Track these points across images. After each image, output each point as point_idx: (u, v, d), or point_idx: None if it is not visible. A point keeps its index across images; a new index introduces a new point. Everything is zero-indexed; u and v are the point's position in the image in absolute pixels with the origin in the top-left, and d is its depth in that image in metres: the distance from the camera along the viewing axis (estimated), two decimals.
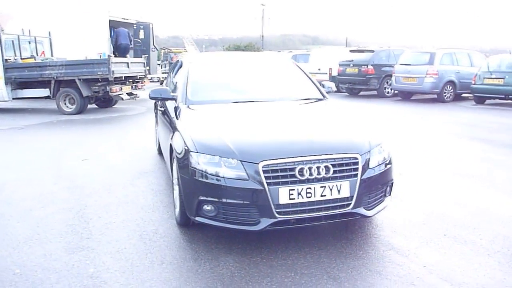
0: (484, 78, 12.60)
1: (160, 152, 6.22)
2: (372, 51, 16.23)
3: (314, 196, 3.02)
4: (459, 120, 9.83)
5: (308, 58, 19.27)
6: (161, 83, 22.59)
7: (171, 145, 3.76)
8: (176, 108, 4.15)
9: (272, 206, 2.96)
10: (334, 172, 3.06)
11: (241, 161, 3.02)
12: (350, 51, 17.50)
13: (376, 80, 15.44)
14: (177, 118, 3.92)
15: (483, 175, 5.19)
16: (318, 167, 3.02)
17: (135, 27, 15.99)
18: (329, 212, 3.09)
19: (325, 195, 3.04)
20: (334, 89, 5.43)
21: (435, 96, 13.97)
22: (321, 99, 4.47)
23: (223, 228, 3.14)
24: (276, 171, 2.99)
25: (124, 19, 16.02)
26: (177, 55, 29.20)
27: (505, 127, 8.65)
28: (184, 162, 3.26)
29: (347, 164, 3.12)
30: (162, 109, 4.90)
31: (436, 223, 3.67)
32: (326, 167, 3.04)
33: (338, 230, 3.52)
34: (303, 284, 2.72)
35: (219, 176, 3.03)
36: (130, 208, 4.06)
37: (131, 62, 11.90)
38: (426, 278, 2.80)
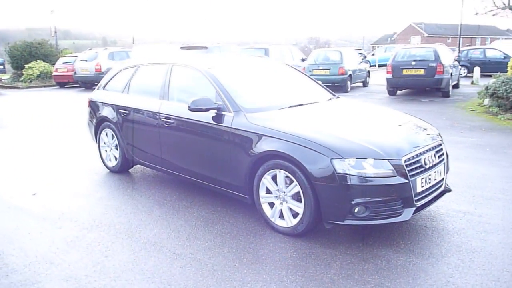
0: (313, 69, 14.83)
1: (122, 170, 5.42)
2: (206, 47, 16.80)
3: (431, 181, 3.53)
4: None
5: (128, 55, 18.79)
6: None
7: (256, 159, 3.60)
8: (220, 118, 3.90)
9: (413, 196, 3.32)
10: (438, 157, 3.63)
11: (387, 159, 3.24)
12: (181, 48, 17.63)
13: None
14: (242, 128, 3.76)
15: None
16: (430, 156, 3.53)
17: None
18: (435, 193, 3.64)
19: (436, 179, 3.59)
20: None
21: None
22: (338, 97, 4.86)
23: (372, 225, 3.32)
24: (411, 164, 3.35)
25: None
26: None
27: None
28: (323, 170, 3.23)
29: (439, 151, 3.73)
30: (171, 121, 4.37)
31: (458, 190, 4.59)
32: (434, 155, 3.58)
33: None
34: (452, 258, 3.20)
35: (370, 177, 3.19)
36: (201, 234, 3.64)
37: None
38: None
